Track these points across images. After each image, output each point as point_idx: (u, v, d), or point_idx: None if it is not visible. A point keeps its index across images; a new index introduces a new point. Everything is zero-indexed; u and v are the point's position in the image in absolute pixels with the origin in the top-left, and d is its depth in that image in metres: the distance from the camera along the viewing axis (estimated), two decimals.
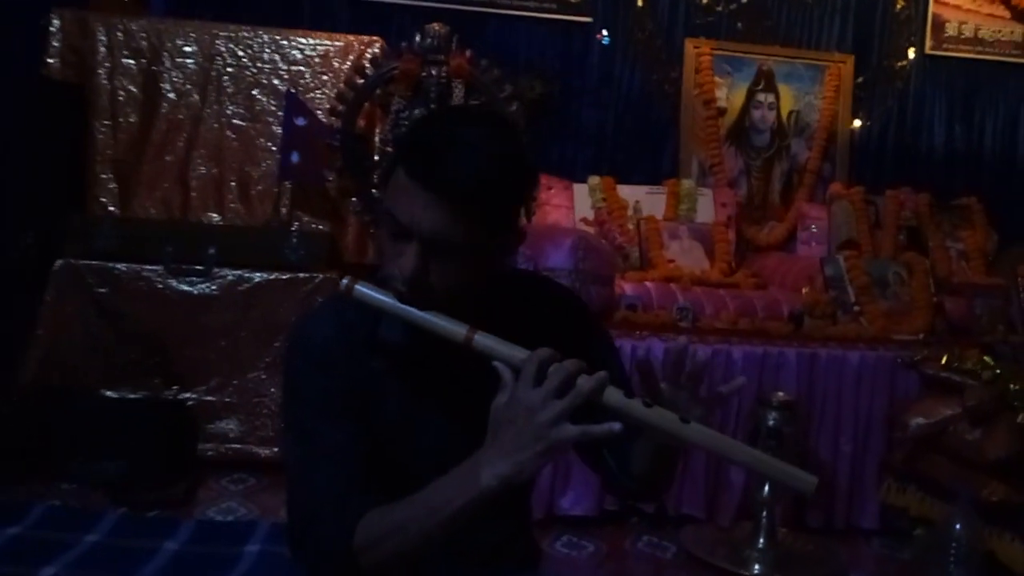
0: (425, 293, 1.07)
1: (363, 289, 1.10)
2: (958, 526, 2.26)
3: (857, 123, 4.50)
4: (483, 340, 1.06)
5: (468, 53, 3.42)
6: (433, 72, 3.35)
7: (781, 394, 2.69)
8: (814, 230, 4.20)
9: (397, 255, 1.08)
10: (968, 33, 4.58)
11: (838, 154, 4.49)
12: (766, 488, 2.66)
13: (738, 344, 2.95)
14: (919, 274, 3.39)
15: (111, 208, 3.43)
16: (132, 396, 3.10)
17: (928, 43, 4.56)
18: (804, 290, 3.25)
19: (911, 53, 4.54)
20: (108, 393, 3.08)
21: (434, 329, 1.08)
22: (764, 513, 2.69)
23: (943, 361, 2.79)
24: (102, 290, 3.08)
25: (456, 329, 1.07)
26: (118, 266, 3.08)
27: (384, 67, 3.40)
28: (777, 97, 4.44)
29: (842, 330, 3.12)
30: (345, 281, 1.11)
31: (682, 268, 3.51)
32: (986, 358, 2.60)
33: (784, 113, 4.45)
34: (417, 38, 3.43)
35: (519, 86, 3.74)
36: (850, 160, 4.50)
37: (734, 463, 1.07)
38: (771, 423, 2.66)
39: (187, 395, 3.15)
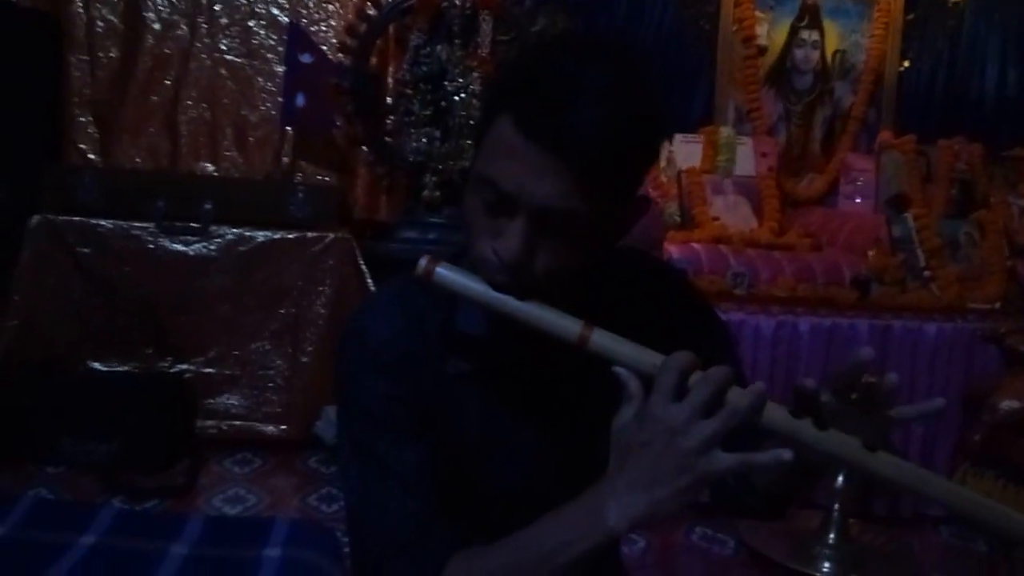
0: (526, 280, 0.85)
1: (448, 273, 0.87)
2: None
3: (906, 64, 4.13)
4: (601, 339, 0.84)
5: None
6: (456, 2, 2.96)
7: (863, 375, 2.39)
8: (860, 183, 3.88)
9: (493, 232, 0.85)
10: None
11: (884, 99, 4.14)
12: (840, 477, 2.38)
13: (804, 315, 2.64)
14: (992, 234, 3.09)
15: (91, 156, 3.06)
16: (122, 369, 2.81)
17: None
18: (870, 253, 2.94)
19: None
20: (95, 366, 2.79)
21: (539, 325, 0.86)
22: (836, 505, 2.42)
23: None
24: (85, 250, 2.74)
25: (568, 325, 0.85)
26: (102, 223, 2.74)
27: None
28: (822, 34, 4.07)
29: (914, 298, 2.83)
30: (423, 262, 0.88)
31: (728, 227, 3.19)
32: None
33: (828, 53, 4.08)
34: None
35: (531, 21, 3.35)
36: (896, 106, 4.16)
37: (936, 503, 0.84)
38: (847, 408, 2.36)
39: (183, 367, 2.86)
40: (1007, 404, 2.43)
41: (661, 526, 2.53)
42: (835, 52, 4.09)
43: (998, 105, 4.27)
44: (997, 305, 2.90)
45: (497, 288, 0.86)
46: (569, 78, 0.81)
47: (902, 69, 4.14)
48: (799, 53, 4.06)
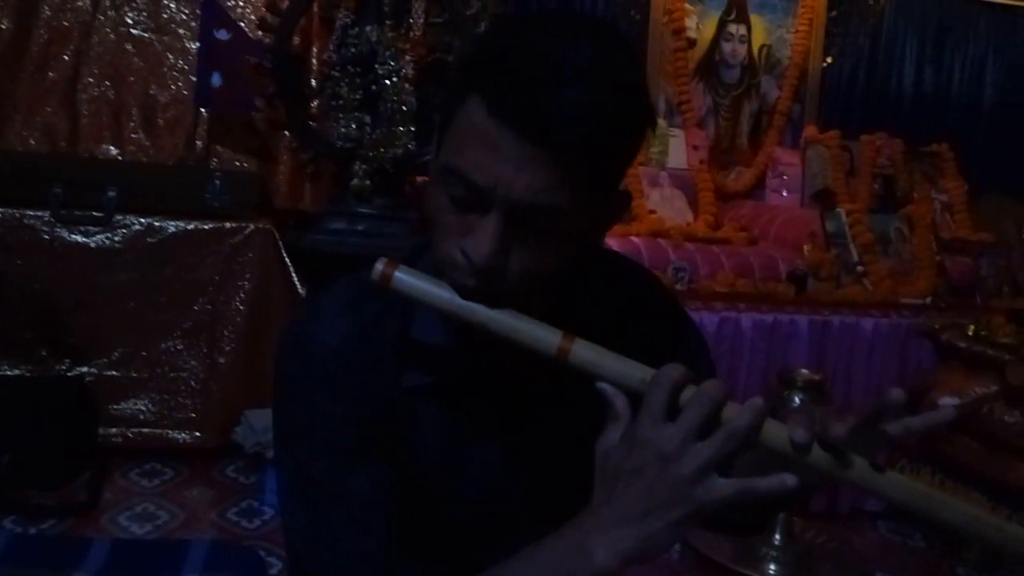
0: (499, 284, 0.75)
1: (408, 278, 0.76)
2: None
3: (829, 60, 4.18)
4: (584, 351, 0.75)
5: None
6: None
7: (806, 372, 2.36)
8: (786, 177, 3.90)
9: (461, 230, 0.75)
10: None
11: (808, 94, 4.19)
12: None
13: (746, 311, 2.60)
14: (921, 229, 3.13)
15: None
16: (12, 373, 2.55)
17: None
18: (806, 248, 2.92)
19: None
20: None
21: (514, 337, 0.75)
22: None
23: (970, 332, 2.52)
24: None
25: (546, 336, 0.75)
26: None
27: None
28: (749, 29, 4.08)
29: (849, 293, 2.84)
30: (380, 266, 0.76)
31: (665, 220, 3.13)
32: None
33: (755, 47, 4.09)
34: None
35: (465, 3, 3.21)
36: (819, 101, 4.21)
37: (947, 527, 0.75)
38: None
39: (83, 370, 2.63)
40: (945, 400, 2.43)
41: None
42: (761, 47, 4.11)
43: (916, 102, 4.39)
44: (928, 300, 2.93)
45: (465, 294, 0.76)
46: (548, 55, 0.71)
47: (825, 65, 4.20)
48: (727, 47, 4.05)
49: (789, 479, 0.70)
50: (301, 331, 0.84)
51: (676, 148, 3.68)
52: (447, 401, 0.84)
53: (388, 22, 2.71)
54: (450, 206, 0.75)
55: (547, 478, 0.86)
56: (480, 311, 0.75)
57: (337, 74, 2.70)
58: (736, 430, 0.70)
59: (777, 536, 2.40)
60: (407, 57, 2.69)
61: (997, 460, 2.37)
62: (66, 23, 2.87)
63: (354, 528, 0.79)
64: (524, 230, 0.73)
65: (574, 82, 0.70)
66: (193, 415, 2.64)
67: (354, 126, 2.65)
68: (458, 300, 0.76)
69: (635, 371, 0.74)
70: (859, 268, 2.96)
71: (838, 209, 3.13)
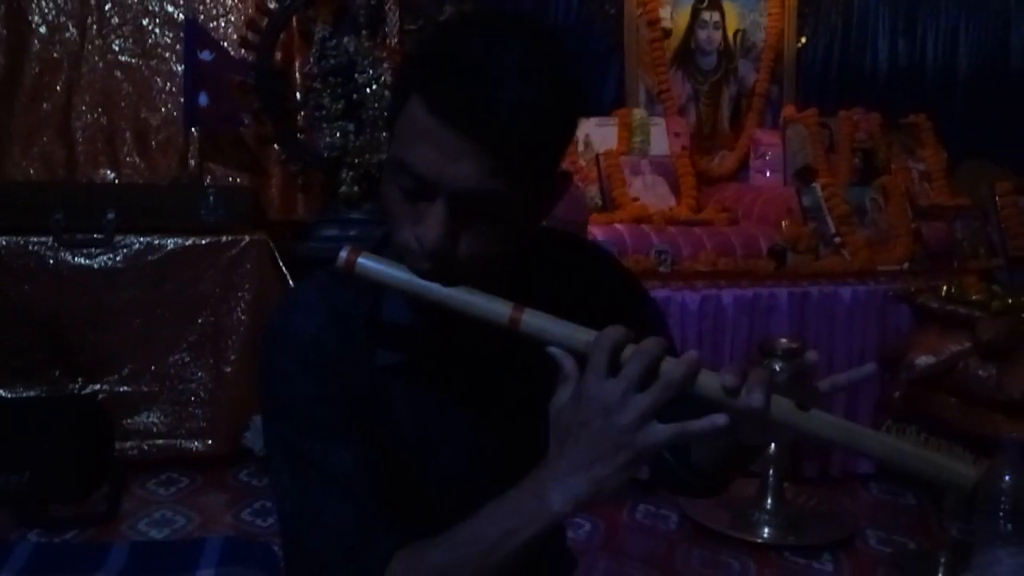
0: (451, 266, 0.82)
1: (370, 263, 0.84)
2: (1007, 478, 2.06)
3: (803, 40, 4.25)
4: (534, 319, 0.82)
5: None
6: None
7: (784, 340, 2.44)
8: (768, 158, 3.97)
9: (414, 219, 0.82)
10: None
11: (785, 75, 4.25)
12: (772, 444, 2.42)
13: (726, 288, 2.69)
14: (895, 198, 3.20)
15: None
16: (28, 395, 2.65)
17: None
18: (784, 223, 3.01)
19: None
20: None
21: (469, 310, 0.83)
22: (771, 471, 2.47)
23: (943, 293, 2.61)
24: None
25: (498, 308, 0.83)
26: None
27: None
28: (722, 16, 4.14)
29: (827, 265, 2.92)
30: (344, 253, 0.84)
31: (649, 207, 3.21)
32: (995, 287, 2.41)
33: (730, 33, 4.16)
34: None
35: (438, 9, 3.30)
36: (796, 81, 4.28)
37: (868, 456, 0.86)
38: (781, 375, 2.40)
39: (96, 388, 2.71)
40: (922, 360, 2.52)
41: (604, 507, 2.54)
42: (736, 32, 4.17)
43: (891, 75, 4.45)
44: (905, 266, 3.01)
45: (422, 276, 0.83)
46: (481, 56, 0.78)
47: (800, 45, 4.26)
48: (702, 34, 4.12)
49: (720, 418, 0.77)
50: (281, 321, 0.92)
51: (658, 136, 3.74)
52: (417, 377, 0.91)
53: (364, 32, 2.81)
54: (402, 197, 0.82)
55: (514, 441, 0.92)
56: (437, 289, 0.83)
57: (319, 86, 2.80)
58: (671, 380, 0.77)
59: (769, 501, 2.49)
60: (385, 65, 2.78)
61: (974, 414, 2.45)
62: (56, 55, 2.97)
63: (338, 497, 0.86)
64: (469, 215, 0.80)
65: (504, 80, 0.77)
66: (204, 424, 2.74)
67: (339, 134, 2.75)
68: (417, 280, 0.83)
69: (581, 335, 0.81)
70: (836, 240, 3.04)
71: (813, 184, 3.20)
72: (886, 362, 2.75)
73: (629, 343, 0.79)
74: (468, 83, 0.76)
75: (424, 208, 0.81)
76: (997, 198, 3.19)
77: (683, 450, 0.97)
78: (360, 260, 0.83)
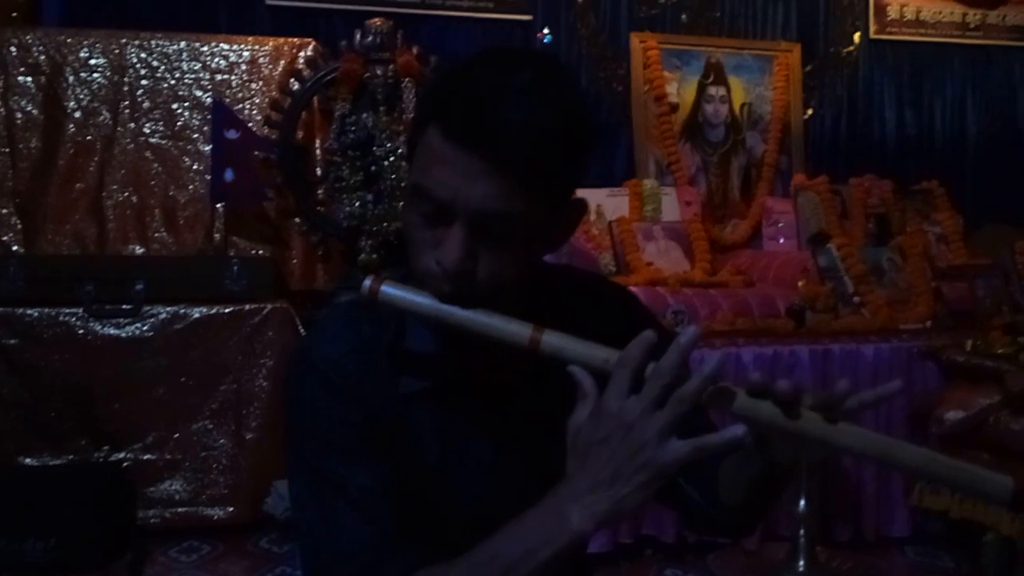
0: (471, 288, 0.85)
1: (393, 291, 0.87)
2: None
3: (809, 112, 4.36)
4: (553, 339, 0.84)
5: (415, 50, 3.10)
6: (379, 72, 3.02)
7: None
8: (781, 225, 4.02)
9: (433, 243, 0.85)
10: (910, 16, 4.53)
11: (793, 145, 4.34)
12: (802, 502, 2.39)
13: (745, 346, 2.69)
14: (913, 257, 3.22)
15: (15, 248, 2.95)
16: (55, 463, 2.68)
17: (872, 27, 4.48)
18: (800, 283, 3.03)
19: (856, 38, 4.45)
20: (26, 461, 2.66)
21: (489, 332, 0.85)
22: (801, 532, 2.42)
23: (969, 347, 2.59)
24: (11, 341, 2.65)
25: (518, 329, 0.84)
26: (29, 311, 2.66)
27: (322, 69, 3.06)
28: (728, 90, 4.27)
29: (848, 323, 2.91)
30: (368, 283, 0.87)
31: (663, 270, 3.25)
32: (1020, 339, 2.40)
33: (736, 106, 4.27)
34: (357, 36, 3.09)
35: None
36: (805, 151, 4.37)
37: (901, 469, 0.83)
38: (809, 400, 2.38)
39: (120, 456, 2.73)
40: (952, 415, 2.49)
41: (628, 573, 2.49)
42: (742, 105, 4.28)
43: (901, 143, 4.52)
44: (928, 324, 3.00)
45: (443, 299, 0.85)
46: (491, 83, 0.83)
47: (806, 117, 4.36)
48: (709, 108, 4.23)
49: (739, 429, 0.77)
50: (306, 347, 0.96)
51: (669, 205, 3.80)
52: (440, 403, 0.93)
53: (382, 108, 2.93)
54: (422, 222, 0.86)
55: (536, 465, 0.93)
56: (458, 312, 0.85)
57: (339, 159, 2.91)
58: (684, 395, 0.77)
59: (802, 563, 2.43)
60: (401, 138, 2.89)
61: (1009, 468, 2.40)
62: (90, 137, 3.10)
63: (357, 516, 0.88)
64: (487, 237, 0.84)
65: (515, 101, 0.81)
66: (226, 491, 2.74)
67: (357, 204, 2.84)
68: (438, 304, 0.85)
69: (600, 353, 0.83)
70: (856, 299, 3.05)
71: (829, 245, 3.23)
72: (915, 419, 2.72)
73: (651, 361, 0.80)
74: (479, 107, 0.81)
75: (443, 233, 0.84)
76: (1017, 256, 3.20)
77: (711, 485, 0.95)
78: (383, 288, 0.86)
